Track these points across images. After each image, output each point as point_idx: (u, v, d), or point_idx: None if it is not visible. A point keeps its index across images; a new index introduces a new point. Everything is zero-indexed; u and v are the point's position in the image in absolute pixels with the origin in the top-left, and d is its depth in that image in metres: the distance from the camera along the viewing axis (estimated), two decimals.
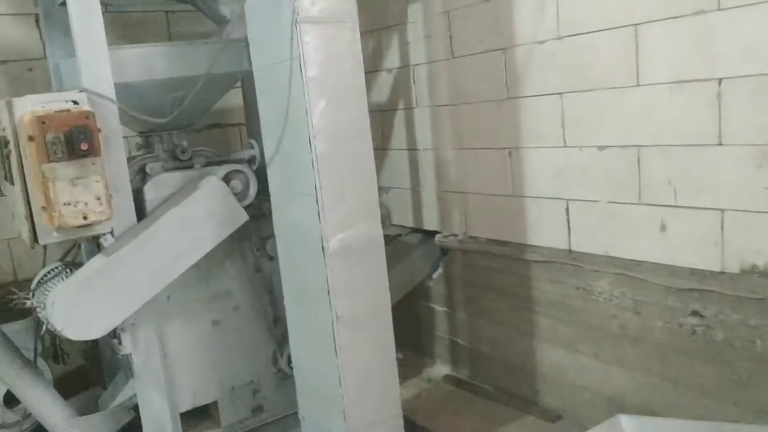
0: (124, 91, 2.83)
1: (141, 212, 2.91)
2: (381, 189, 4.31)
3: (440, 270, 3.87)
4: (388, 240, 4.15)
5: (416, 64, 3.78)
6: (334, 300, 2.56)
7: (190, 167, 3.08)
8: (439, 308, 3.91)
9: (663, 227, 2.66)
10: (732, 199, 2.42)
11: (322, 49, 2.51)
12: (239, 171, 3.04)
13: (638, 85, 2.64)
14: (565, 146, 2.99)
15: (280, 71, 2.57)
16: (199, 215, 2.88)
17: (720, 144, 2.41)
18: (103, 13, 3.45)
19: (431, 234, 3.92)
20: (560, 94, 2.96)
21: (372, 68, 4.13)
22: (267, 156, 2.84)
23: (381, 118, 4.13)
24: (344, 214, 2.59)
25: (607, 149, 2.81)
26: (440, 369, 3.96)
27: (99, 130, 2.59)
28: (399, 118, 3.99)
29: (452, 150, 3.63)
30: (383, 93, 4.08)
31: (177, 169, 3.10)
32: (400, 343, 4.15)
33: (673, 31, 2.49)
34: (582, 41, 2.82)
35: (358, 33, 2.59)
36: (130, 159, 3.19)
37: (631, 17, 2.62)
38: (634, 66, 2.64)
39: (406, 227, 4.13)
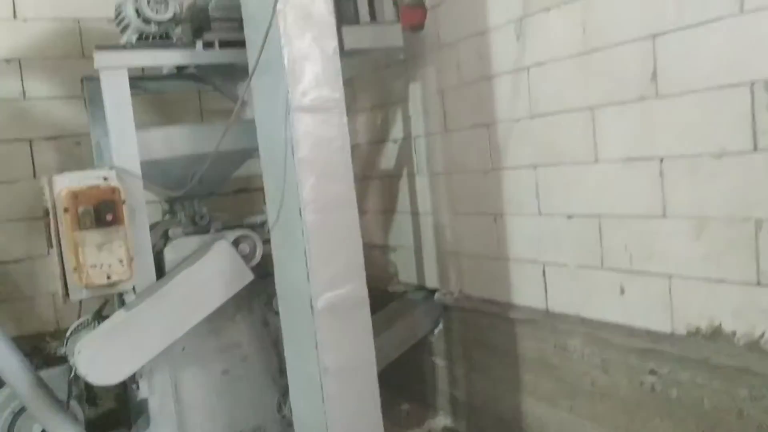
0: (150, 166, 3.27)
1: (161, 271, 3.32)
2: (389, 248, 4.64)
3: (441, 326, 4.13)
4: (395, 296, 4.46)
5: (417, 136, 4.14)
6: (322, 353, 2.87)
7: (207, 231, 3.49)
8: (440, 362, 4.16)
9: (622, 290, 2.89)
10: (677, 266, 2.64)
11: (312, 133, 2.89)
12: (247, 236, 3.42)
13: (597, 162, 2.92)
14: (540, 214, 3.26)
15: (278, 150, 2.96)
16: (209, 275, 3.26)
17: (664, 216, 2.66)
18: (142, 95, 3.99)
19: (433, 291, 4.20)
20: (534, 166, 3.26)
21: (380, 138, 4.52)
22: (270, 222, 3.22)
23: (389, 183, 4.49)
24: (331, 276, 2.92)
25: (575, 218, 3.08)
26: (441, 420, 4.18)
27: (124, 202, 3.03)
28: (403, 183, 4.34)
29: (447, 214, 3.94)
30: (390, 161, 4.45)
31: (195, 233, 3.51)
32: (407, 395, 4.42)
33: (621, 114, 2.78)
34: (551, 120, 3.13)
35: (345, 117, 2.95)
36: (156, 224, 3.64)
37: (588, 101, 2.92)
38: (592, 144, 2.93)
39: (411, 284, 4.42)
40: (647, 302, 2.78)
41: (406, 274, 4.45)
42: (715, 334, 2.54)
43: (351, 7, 3.53)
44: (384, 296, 4.49)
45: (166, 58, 3.29)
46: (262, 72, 3.03)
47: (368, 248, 4.86)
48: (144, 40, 3.26)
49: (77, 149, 4.21)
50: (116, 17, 3.26)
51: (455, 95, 3.74)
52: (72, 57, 4.18)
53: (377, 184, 4.66)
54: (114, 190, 2.98)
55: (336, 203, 2.96)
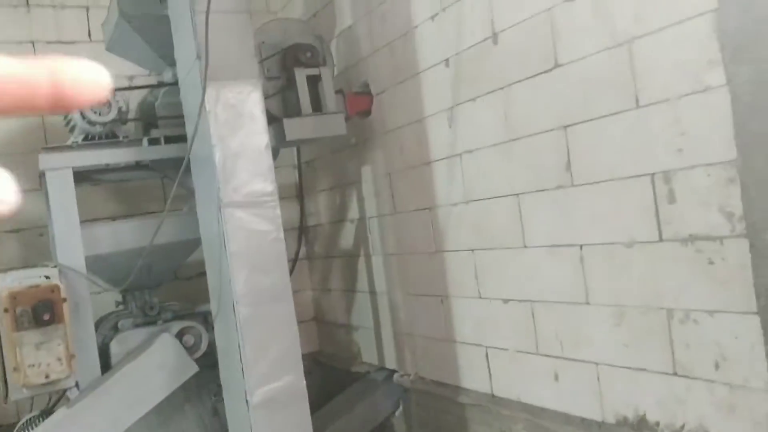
0: (97, 260, 3.34)
1: (108, 365, 3.34)
2: (352, 327, 4.64)
3: (401, 408, 4.09)
4: (358, 377, 4.43)
5: (370, 217, 4.20)
6: None
7: (155, 322, 3.52)
8: None
9: (556, 377, 2.87)
10: (602, 353, 2.63)
11: (245, 227, 2.96)
12: (192, 326, 3.45)
13: (525, 247, 2.95)
14: (480, 297, 3.27)
15: (215, 243, 3.02)
16: (152, 369, 3.28)
17: (587, 303, 2.66)
18: (106, 185, 4.09)
19: (393, 372, 4.17)
20: (472, 250, 3.29)
21: (340, 218, 4.59)
22: (213, 313, 3.25)
23: (349, 262, 4.53)
24: (266, 370, 2.93)
25: (510, 302, 3.08)
26: None
27: (64, 300, 3.08)
28: (362, 262, 4.37)
29: (401, 294, 3.96)
30: (349, 240, 4.50)
31: (146, 324, 3.55)
32: None
33: (543, 202, 2.82)
34: (483, 206, 3.17)
35: (279, 210, 3.02)
36: (108, 315, 3.69)
37: (514, 188, 2.97)
38: (520, 230, 2.96)
39: (373, 364, 4.40)
40: (579, 389, 2.76)
41: (368, 354, 4.44)
42: (641, 423, 2.50)
43: (293, 100, 3.65)
44: (347, 376, 4.47)
45: (110, 157, 3.40)
46: (200, 167, 3.13)
47: (333, 327, 4.87)
48: (90, 140, 3.37)
49: (40, 240, 4.29)
50: (64, 118, 3.39)
51: (401, 178, 3.81)
52: (36, 152, 4.31)
53: (339, 263, 4.70)
54: (53, 289, 3.03)
55: (270, 296, 2.99)
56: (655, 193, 2.34)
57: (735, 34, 2.04)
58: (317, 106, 3.71)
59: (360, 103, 3.97)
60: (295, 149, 4.93)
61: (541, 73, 2.75)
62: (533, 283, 2.94)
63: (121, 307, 3.77)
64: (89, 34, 4.47)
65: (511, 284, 3.07)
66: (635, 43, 2.35)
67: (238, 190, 2.96)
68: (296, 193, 5.05)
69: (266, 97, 3.69)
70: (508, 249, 3.05)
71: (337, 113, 3.68)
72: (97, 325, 3.63)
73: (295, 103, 3.65)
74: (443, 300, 3.57)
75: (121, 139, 3.43)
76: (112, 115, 3.30)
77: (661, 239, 2.34)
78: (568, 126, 2.65)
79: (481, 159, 3.16)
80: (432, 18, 3.37)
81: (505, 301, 3.11)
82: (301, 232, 5.01)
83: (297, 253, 4.93)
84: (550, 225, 2.81)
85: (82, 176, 3.65)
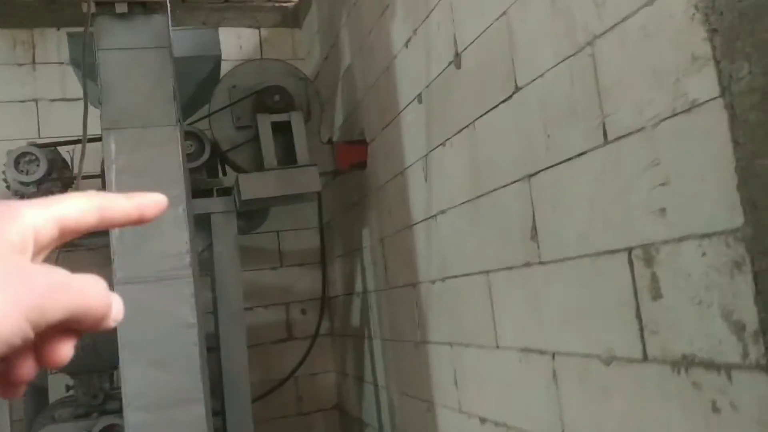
0: None
1: None
2: (363, 423, 3.85)
3: None
4: None
5: (370, 291, 3.46)
6: None
7: (88, 416, 3.00)
8: None
9: None
10: None
11: (143, 310, 2.36)
12: (116, 424, 2.87)
13: (498, 348, 2.08)
14: (460, 411, 2.41)
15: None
16: None
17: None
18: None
19: None
20: (451, 344, 2.45)
21: (349, 291, 3.88)
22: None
23: (357, 344, 3.78)
24: None
25: (486, 423, 2.20)
26: None
27: None
28: (367, 346, 3.61)
29: (396, 393, 3.15)
30: (356, 318, 3.77)
31: (86, 415, 3.04)
32: None
33: (511, 283, 1.96)
34: (458, 286, 2.35)
35: (192, 287, 2.40)
36: (56, 402, 3.22)
37: (484, 263, 2.13)
38: (491, 322, 2.11)
39: None
40: None
41: None
42: None
43: (253, 152, 3.07)
44: None
45: None
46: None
47: (351, 419, 4.09)
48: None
49: None
50: (4, 181, 3.03)
51: (392, 245, 3.06)
52: None
53: (351, 344, 3.96)
54: None
55: (174, 398, 2.35)
56: (634, 281, 1.44)
57: (730, 9, 1.16)
58: (289, 159, 3.10)
59: (353, 153, 3.30)
60: (317, 207, 4.34)
61: (502, 101, 1.94)
62: (508, 400, 2.05)
63: (71, 391, 3.30)
64: None
65: (489, 397, 2.19)
66: (597, 44, 1.50)
67: (138, 264, 2.38)
68: (319, 258, 4.42)
69: (233, 147, 3.16)
70: (482, 348, 2.19)
71: (307, 166, 3.02)
72: (44, 412, 3.18)
73: (251, 155, 3.07)
74: (429, 407, 2.72)
75: None
76: (40, 173, 2.89)
77: (645, 357, 1.42)
78: (532, 175, 1.81)
79: (452, 222, 2.36)
80: (406, 44, 2.66)
81: (482, 420, 2.23)
82: (323, 303, 4.35)
83: (318, 328, 4.27)
84: (520, 318, 1.94)
85: None
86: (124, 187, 2.42)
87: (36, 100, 4.12)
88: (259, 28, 4.62)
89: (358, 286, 3.68)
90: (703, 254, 1.25)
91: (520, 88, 1.84)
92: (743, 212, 1.15)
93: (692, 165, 1.26)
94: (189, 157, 3.08)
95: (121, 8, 2.46)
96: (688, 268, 1.28)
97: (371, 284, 3.43)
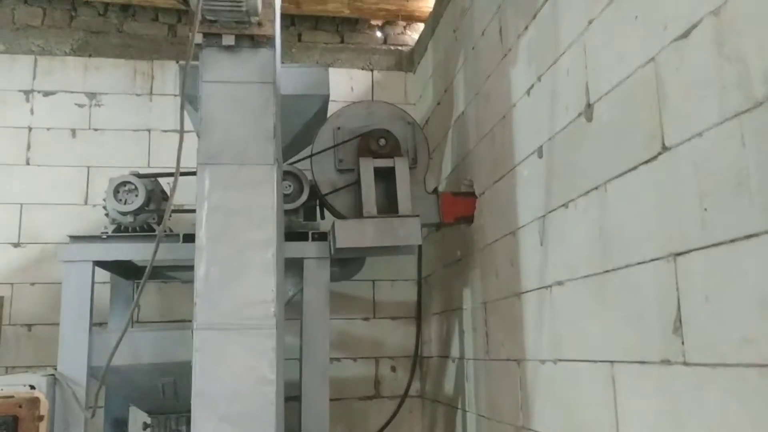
0: (112, 374, 2.79)
1: None
2: None
3: None
4: None
5: (468, 358, 3.14)
6: None
7: None
8: None
9: None
10: None
11: (222, 360, 2.18)
12: None
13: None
14: None
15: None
16: None
17: None
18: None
19: None
20: None
21: (444, 353, 3.57)
22: None
23: (447, 415, 3.45)
24: None
25: None
26: None
27: (40, 418, 2.56)
28: (459, 419, 3.28)
29: None
30: (450, 385, 3.45)
31: None
32: None
33: (644, 380, 1.61)
34: (572, 371, 2.01)
35: (275, 339, 2.20)
36: None
37: (607, 350, 1.79)
38: (614, 423, 1.75)
39: None
40: None
41: None
42: None
43: (353, 197, 2.88)
44: None
45: (135, 252, 2.90)
46: None
47: None
48: (122, 232, 2.93)
49: None
50: (104, 208, 3.00)
51: (495, 311, 2.75)
52: None
53: (442, 412, 3.63)
54: (21, 403, 2.53)
55: None
56: None
57: None
58: (390, 207, 2.88)
59: (460, 206, 3.04)
60: (416, 259, 4.09)
61: (643, 163, 1.63)
62: None
63: (149, 430, 3.17)
64: None
65: None
66: None
67: (219, 308, 2.22)
68: (415, 313, 4.15)
69: (333, 191, 2.99)
70: None
71: (409, 217, 2.79)
72: None
73: (353, 201, 2.88)
74: None
75: (156, 232, 2.93)
76: (138, 203, 2.83)
77: None
78: (679, 254, 1.48)
79: (571, 296, 2.04)
80: (528, 92, 2.40)
81: None
82: (415, 362, 4.06)
83: (408, 389, 3.97)
84: (653, 426, 1.58)
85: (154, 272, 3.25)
86: (216, 227, 2.28)
87: (149, 130, 4.17)
88: (372, 70, 4.51)
89: (455, 351, 3.38)
90: None
91: (669, 149, 1.52)
92: None
93: None
94: (286, 198, 2.94)
95: (228, 40, 2.36)
96: None
97: (469, 351, 3.11)
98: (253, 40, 2.39)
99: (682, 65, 1.48)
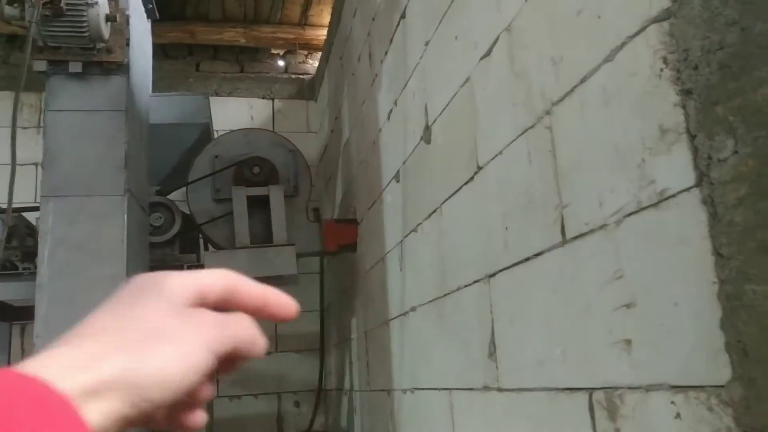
0: None
1: None
2: None
3: None
4: None
5: (354, 390, 3.05)
6: None
7: None
8: None
9: None
10: None
11: None
12: None
13: None
14: None
15: None
16: None
17: None
18: None
19: None
20: None
21: (339, 386, 3.48)
22: None
23: None
24: None
25: None
26: None
27: None
28: None
29: None
30: (344, 421, 3.35)
31: None
32: None
33: (473, 409, 1.56)
34: (423, 398, 1.95)
35: None
36: None
37: (446, 378, 1.74)
38: None
39: None
40: None
41: None
42: None
43: (231, 227, 2.79)
44: None
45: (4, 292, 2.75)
46: None
47: None
48: None
49: None
50: None
51: (373, 339, 2.68)
52: None
53: None
54: None
55: None
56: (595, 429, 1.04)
57: (707, 61, 0.80)
58: (268, 237, 2.80)
59: (344, 234, 2.98)
60: (318, 289, 4.00)
61: (465, 183, 1.60)
62: None
63: None
64: None
65: None
66: (555, 113, 1.16)
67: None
68: (318, 345, 4.04)
69: (209, 221, 2.89)
70: None
71: (284, 246, 2.71)
72: None
73: (223, 232, 2.78)
74: None
75: (20, 270, 2.77)
76: None
77: None
78: (492, 276, 1.44)
79: (421, 322, 1.98)
80: (388, 116, 2.37)
81: None
82: (318, 395, 3.94)
83: (311, 424, 3.85)
84: None
85: None
86: (59, 262, 2.15)
87: (36, 164, 4.00)
88: (273, 98, 4.45)
89: (347, 383, 3.29)
90: (677, 415, 0.85)
91: (481, 168, 1.50)
92: (729, 361, 0.76)
93: (662, 281, 0.88)
94: (157, 229, 2.82)
95: (75, 67, 2.26)
96: (658, 430, 0.88)
97: (357, 382, 3.03)
98: (102, 66, 2.30)
99: (487, 83, 1.46)
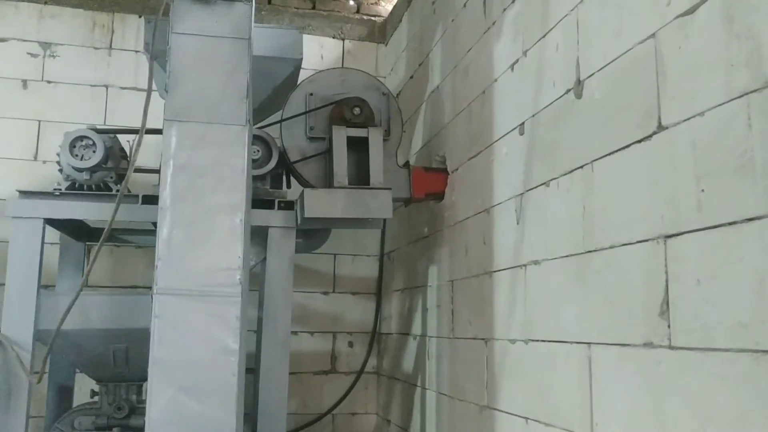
0: (60, 338, 2.64)
1: None
2: None
3: None
4: None
5: (430, 336, 3.10)
6: None
7: (109, 429, 2.74)
8: None
9: None
10: None
11: (182, 327, 2.08)
12: None
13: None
14: None
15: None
16: None
17: None
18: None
19: None
20: (526, 419, 2.08)
21: (405, 331, 3.53)
22: None
23: (406, 391, 3.42)
24: None
25: None
26: None
27: None
28: (417, 396, 3.25)
29: None
30: (410, 362, 3.42)
31: (108, 427, 2.79)
32: None
33: (624, 364, 1.59)
34: (545, 352, 1.98)
35: (239, 308, 2.11)
36: (78, 407, 2.98)
37: (584, 333, 1.77)
38: (588, 408, 1.73)
39: None
40: None
41: None
42: None
43: (323, 166, 2.79)
44: None
45: (89, 212, 2.75)
46: None
47: None
48: (77, 189, 2.77)
49: None
50: (58, 163, 2.82)
51: (462, 290, 2.71)
52: None
53: (399, 389, 3.60)
54: None
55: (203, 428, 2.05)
56: None
57: None
58: (361, 179, 2.80)
59: (430, 182, 2.99)
60: (380, 234, 4.03)
61: (636, 142, 1.59)
62: None
63: (96, 398, 3.04)
64: None
65: None
66: None
67: (182, 273, 2.11)
68: (375, 289, 4.10)
69: (302, 159, 2.89)
70: None
71: (381, 189, 2.72)
72: (67, 414, 2.93)
73: (324, 170, 2.79)
74: None
75: (114, 191, 2.78)
76: (95, 159, 2.67)
77: None
78: (670, 237, 1.45)
79: (548, 276, 2.00)
80: (512, 67, 2.34)
81: None
82: (372, 339, 4.02)
83: (364, 365, 3.94)
84: (631, 411, 1.56)
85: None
86: (180, 188, 2.16)
87: (107, 86, 3.96)
88: (343, 39, 4.38)
89: (416, 328, 3.34)
90: None
91: (666, 128, 1.49)
92: None
93: None
94: (254, 163, 2.83)
95: None
96: None
97: (432, 329, 3.07)
98: None
99: (686, 42, 1.44)
